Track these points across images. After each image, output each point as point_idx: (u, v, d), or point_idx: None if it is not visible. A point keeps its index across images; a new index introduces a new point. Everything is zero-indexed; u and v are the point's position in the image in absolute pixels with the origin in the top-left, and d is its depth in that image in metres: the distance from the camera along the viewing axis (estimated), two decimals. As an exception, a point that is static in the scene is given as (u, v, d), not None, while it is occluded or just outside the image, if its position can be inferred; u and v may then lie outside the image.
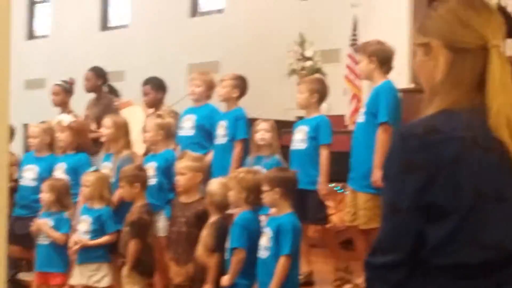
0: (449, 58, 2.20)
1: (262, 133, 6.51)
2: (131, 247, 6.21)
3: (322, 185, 6.35)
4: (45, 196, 6.79)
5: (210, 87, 7.26)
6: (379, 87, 6.11)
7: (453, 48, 2.20)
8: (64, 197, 6.85)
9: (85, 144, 7.48)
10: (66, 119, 7.53)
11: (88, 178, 6.63)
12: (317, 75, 8.97)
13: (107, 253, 6.54)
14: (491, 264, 2.16)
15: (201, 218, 5.96)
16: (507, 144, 2.13)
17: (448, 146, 2.10)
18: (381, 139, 5.91)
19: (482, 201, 2.12)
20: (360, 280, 6.16)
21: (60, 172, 7.29)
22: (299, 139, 6.54)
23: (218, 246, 5.73)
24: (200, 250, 5.81)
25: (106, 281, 6.46)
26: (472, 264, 2.15)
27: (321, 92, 6.59)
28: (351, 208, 6.19)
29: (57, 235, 6.73)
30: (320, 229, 6.64)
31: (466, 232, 2.13)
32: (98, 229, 6.52)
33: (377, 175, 5.86)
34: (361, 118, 6.22)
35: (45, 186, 6.83)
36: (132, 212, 6.34)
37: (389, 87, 6.11)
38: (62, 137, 7.40)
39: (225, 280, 5.55)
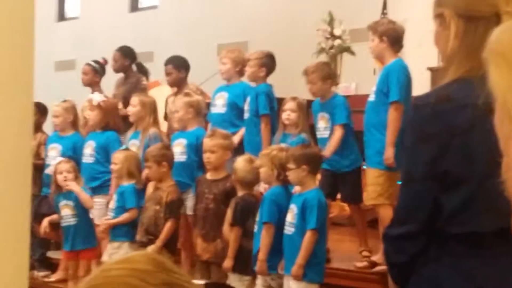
0: (461, 26, 2.18)
1: (288, 113, 6.50)
2: (168, 226, 6.25)
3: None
4: (71, 176, 6.89)
5: (237, 64, 7.21)
6: (389, 66, 6.09)
7: (465, 17, 2.18)
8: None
9: (115, 123, 7.52)
10: (96, 98, 7.57)
11: (117, 155, 6.72)
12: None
13: (130, 232, 6.58)
14: (506, 232, 2.15)
15: (228, 195, 6.02)
16: None
17: (460, 114, 2.09)
18: (393, 117, 5.93)
19: (496, 168, 2.11)
20: (377, 257, 6.17)
21: (89, 149, 7.35)
22: (322, 127, 6.54)
23: (236, 220, 5.80)
24: (225, 226, 5.88)
25: None
26: (486, 232, 2.14)
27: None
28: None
29: (87, 197, 6.85)
30: (355, 207, 6.61)
31: (480, 200, 2.11)
32: (121, 206, 6.62)
33: (389, 153, 5.88)
34: (371, 96, 6.21)
35: (68, 167, 6.91)
36: (167, 192, 6.36)
37: (400, 65, 6.10)
38: (92, 116, 7.47)
39: (260, 256, 5.59)
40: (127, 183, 6.63)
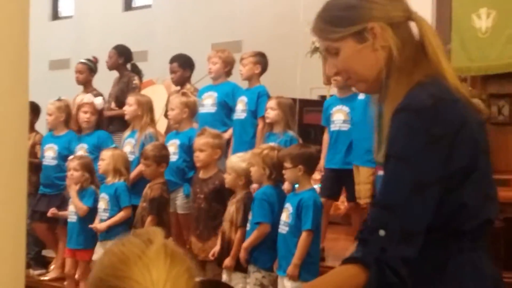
0: (393, 35, 2.17)
1: (268, 111, 6.56)
2: (148, 223, 6.30)
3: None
4: (77, 173, 6.88)
5: (227, 64, 7.27)
6: None
7: (392, 25, 2.17)
8: (94, 175, 6.97)
9: (102, 123, 7.73)
10: (99, 101, 7.62)
11: (105, 152, 6.77)
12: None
13: (127, 230, 6.58)
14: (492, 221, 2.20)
15: (219, 193, 6.04)
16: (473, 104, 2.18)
17: (455, 110, 2.09)
18: None
19: (485, 157, 2.15)
20: None
21: (82, 152, 7.37)
22: (340, 119, 6.56)
23: (244, 221, 5.79)
24: (227, 226, 5.86)
25: None
26: (493, 219, 2.17)
27: None
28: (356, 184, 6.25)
29: (80, 205, 6.84)
30: (354, 205, 6.64)
31: (484, 188, 2.14)
32: (115, 205, 6.63)
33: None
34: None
35: (75, 164, 6.91)
36: (152, 189, 6.42)
37: None
38: (92, 118, 7.51)
39: (243, 246, 5.62)
40: (113, 181, 6.65)
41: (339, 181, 6.54)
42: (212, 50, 7.65)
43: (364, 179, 6.14)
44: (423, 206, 2.06)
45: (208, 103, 7.26)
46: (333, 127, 6.60)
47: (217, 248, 5.91)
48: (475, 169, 2.10)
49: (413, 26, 2.21)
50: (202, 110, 7.26)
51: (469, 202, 2.10)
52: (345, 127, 6.52)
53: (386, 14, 2.18)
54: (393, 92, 2.16)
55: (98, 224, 6.68)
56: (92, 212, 6.83)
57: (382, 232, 2.04)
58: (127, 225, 6.58)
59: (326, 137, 6.73)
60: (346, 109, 6.52)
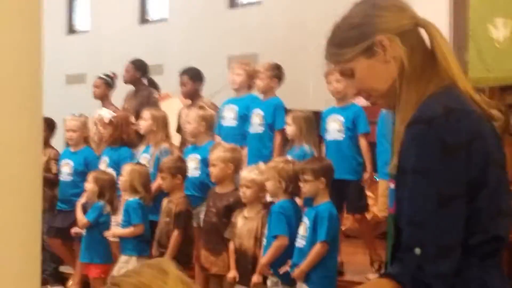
0: (401, 45, 2.14)
1: (286, 127, 6.54)
2: (174, 238, 6.24)
3: (369, 174, 6.32)
4: (88, 186, 6.84)
5: (251, 76, 7.18)
6: None
7: (400, 34, 2.15)
8: (107, 190, 6.87)
9: (128, 136, 7.53)
10: (106, 114, 7.58)
11: (125, 167, 6.72)
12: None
13: (139, 246, 6.52)
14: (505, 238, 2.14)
15: (231, 209, 5.98)
16: (488, 114, 2.14)
17: (468, 121, 2.05)
18: None
19: (499, 171, 2.10)
20: None
21: (103, 166, 7.33)
22: (335, 129, 6.51)
23: None
24: (249, 242, 5.79)
25: None
26: (504, 237, 2.12)
27: None
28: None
29: (80, 217, 6.82)
30: (359, 218, 6.60)
31: (494, 203, 2.08)
32: (126, 221, 6.56)
33: None
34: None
35: (90, 177, 6.88)
36: (177, 204, 6.37)
37: None
38: (105, 133, 7.48)
39: (263, 262, 5.57)
40: (129, 197, 6.59)
41: (340, 193, 6.42)
42: (236, 62, 7.59)
43: (381, 192, 6.10)
44: (452, 218, 2.02)
45: (229, 116, 7.21)
46: (328, 137, 6.54)
47: (233, 268, 5.83)
48: (485, 183, 2.05)
49: (423, 33, 2.19)
50: (223, 123, 7.22)
51: (478, 216, 2.05)
52: (340, 136, 6.44)
53: (392, 25, 2.16)
54: (403, 101, 2.14)
55: (109, 232, 6.67)
56: (100, 228, 6.77)
57: (418, 250, 2.01)
58: (140, 241, 6.52)
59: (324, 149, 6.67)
60: (341, 118, 6.45)
